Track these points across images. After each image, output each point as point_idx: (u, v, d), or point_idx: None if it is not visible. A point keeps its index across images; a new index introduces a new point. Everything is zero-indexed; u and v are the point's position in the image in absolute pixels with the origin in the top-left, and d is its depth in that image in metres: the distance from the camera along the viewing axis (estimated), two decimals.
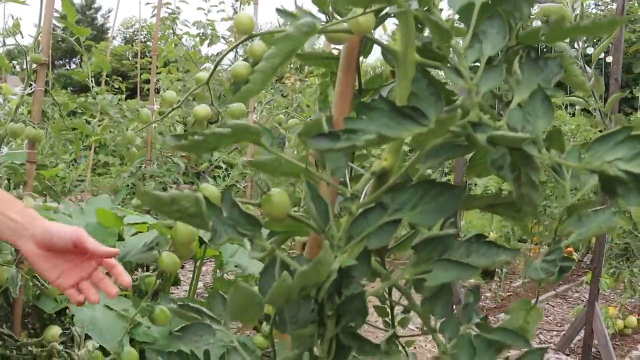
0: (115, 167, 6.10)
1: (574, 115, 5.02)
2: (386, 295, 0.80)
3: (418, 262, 0.63)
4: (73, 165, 5.92)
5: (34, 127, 1.47)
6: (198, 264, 2.57)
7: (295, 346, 0.69)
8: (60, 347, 1.52)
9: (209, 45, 3.86)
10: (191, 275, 4.40)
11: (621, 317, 3.70)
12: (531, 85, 0.60)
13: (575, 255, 4.65)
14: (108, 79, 4.94)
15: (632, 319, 3.73)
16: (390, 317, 0.83)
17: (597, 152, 0.57)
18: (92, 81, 2.74)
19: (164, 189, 2.91)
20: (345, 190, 0.62)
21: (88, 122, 4.54)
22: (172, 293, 3.40)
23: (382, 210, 0.60)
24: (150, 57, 6.17)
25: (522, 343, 0.74)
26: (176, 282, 3.14)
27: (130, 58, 8.30)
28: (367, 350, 0.64)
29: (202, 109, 1.21)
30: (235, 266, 2.45)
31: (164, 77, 3.16)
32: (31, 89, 1.46)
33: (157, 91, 3.20)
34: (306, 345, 0.67)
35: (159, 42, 3.55)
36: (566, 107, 4.98)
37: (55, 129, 2.31)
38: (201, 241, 2.30)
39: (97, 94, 2.76)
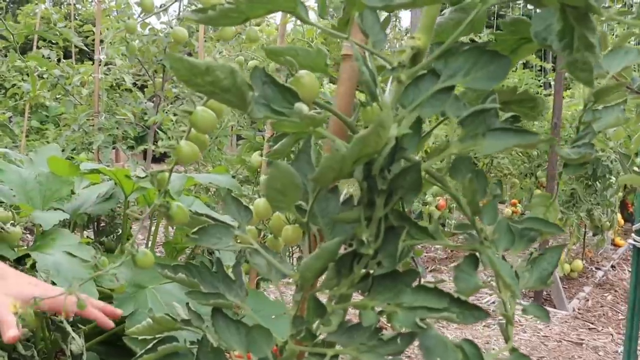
0: (50, 131, 5.83)
1: (515, 70, 5.10)
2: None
3: (464, 137, 0.59)
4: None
5: None
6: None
7: (329, 239, 0.65)
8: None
9: None
10: (139, 236, 4.28)
11: (568, 261, 3.84)
12: None
13: (519, 208, 4.78)
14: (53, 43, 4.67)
15: (578, 263, 3.87)
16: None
17: None
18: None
19: (114, 142, 2.80)
20: (391, 60, 0.58)
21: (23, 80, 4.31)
22: None
23: (434, 77, 0.56)
24: (81, 21, 5.88)
25: (554, 230, 0.72)
26: (127, 238, 3.02)
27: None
28: (414, 234, 0.61)
29: None
30: None
31: (112, 26, 2.98)
32: None
33: (101, 42, 3.03)
34: (344, 233, 0.63)
35: None
36: None
37: (12, 60, 2.16)
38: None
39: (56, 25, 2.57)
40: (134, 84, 4.08)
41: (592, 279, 3.99)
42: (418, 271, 0.58)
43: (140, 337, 0.79)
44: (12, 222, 1.55)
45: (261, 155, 2.14)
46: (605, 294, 3.49)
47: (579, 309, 3.33)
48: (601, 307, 3.36)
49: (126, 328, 1.69)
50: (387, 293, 0.59)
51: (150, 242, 2.56)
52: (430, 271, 4.19)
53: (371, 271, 0.60)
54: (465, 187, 0.61)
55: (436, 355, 0.59)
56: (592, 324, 3.10)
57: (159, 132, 3.26)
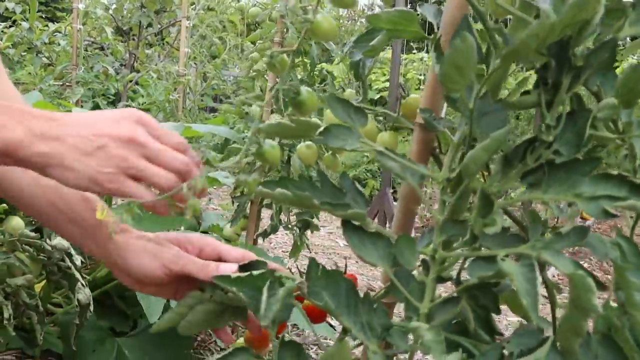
0: None
1: None
2: None
3: (636, 20, 0.55)
4: None
5: None
6: None
7: (477, 134, 0.60)
8: (33, 234, 1.32)
9: None
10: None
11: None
12: None
13: None
14: None
15: None
16: None
17: None
18: None
19: (93, 96, 2.65)
20: None
21: None
22: None
23: None
24: None
25: None
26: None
27: None
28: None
29: None
30: None
31: None
32: None
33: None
34: (493, 128, 0.58)
35: None
36: None
37: None
38: None
39: None
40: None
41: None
42: (600, 157, 0.54)
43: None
44: None
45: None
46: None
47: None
48: None
49: None
50: (561, 185, 0.54)
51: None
52: None
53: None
54: (628, 76, 0.56)
55: (601, 251, 0.56)
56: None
57: (140, 88, 3.12)
